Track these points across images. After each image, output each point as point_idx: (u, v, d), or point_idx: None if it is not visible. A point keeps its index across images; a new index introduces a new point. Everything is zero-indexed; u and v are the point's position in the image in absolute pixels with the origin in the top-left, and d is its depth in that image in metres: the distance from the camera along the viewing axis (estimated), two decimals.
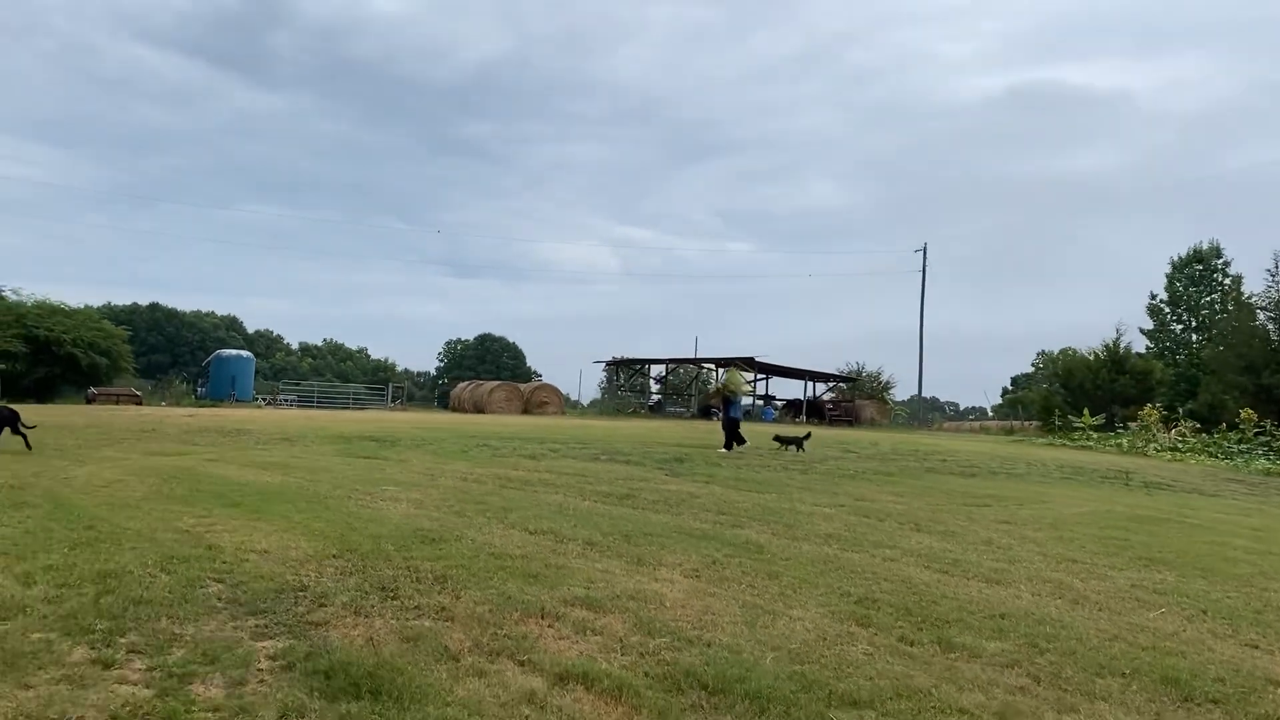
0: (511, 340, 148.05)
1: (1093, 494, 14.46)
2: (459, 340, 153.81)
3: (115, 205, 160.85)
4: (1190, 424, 36.50)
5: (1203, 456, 28.97)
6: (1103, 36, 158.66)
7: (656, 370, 56.49)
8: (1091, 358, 58.02)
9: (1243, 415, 34.23)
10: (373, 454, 13.78)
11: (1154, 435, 34.46)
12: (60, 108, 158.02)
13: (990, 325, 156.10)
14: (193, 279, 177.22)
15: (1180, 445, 32.61)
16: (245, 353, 44.82)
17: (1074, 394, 56.65)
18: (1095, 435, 36.14)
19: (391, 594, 5.40)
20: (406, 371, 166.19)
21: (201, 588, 5.38)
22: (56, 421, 18.84)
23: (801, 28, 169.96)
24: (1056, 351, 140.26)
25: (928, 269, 59.48)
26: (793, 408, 51.26)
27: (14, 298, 48.45)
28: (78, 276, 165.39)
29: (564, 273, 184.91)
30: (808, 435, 20.49)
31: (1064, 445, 32.75)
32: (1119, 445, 33.12)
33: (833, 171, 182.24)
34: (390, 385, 55.39)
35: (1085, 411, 39.16)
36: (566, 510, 8.93)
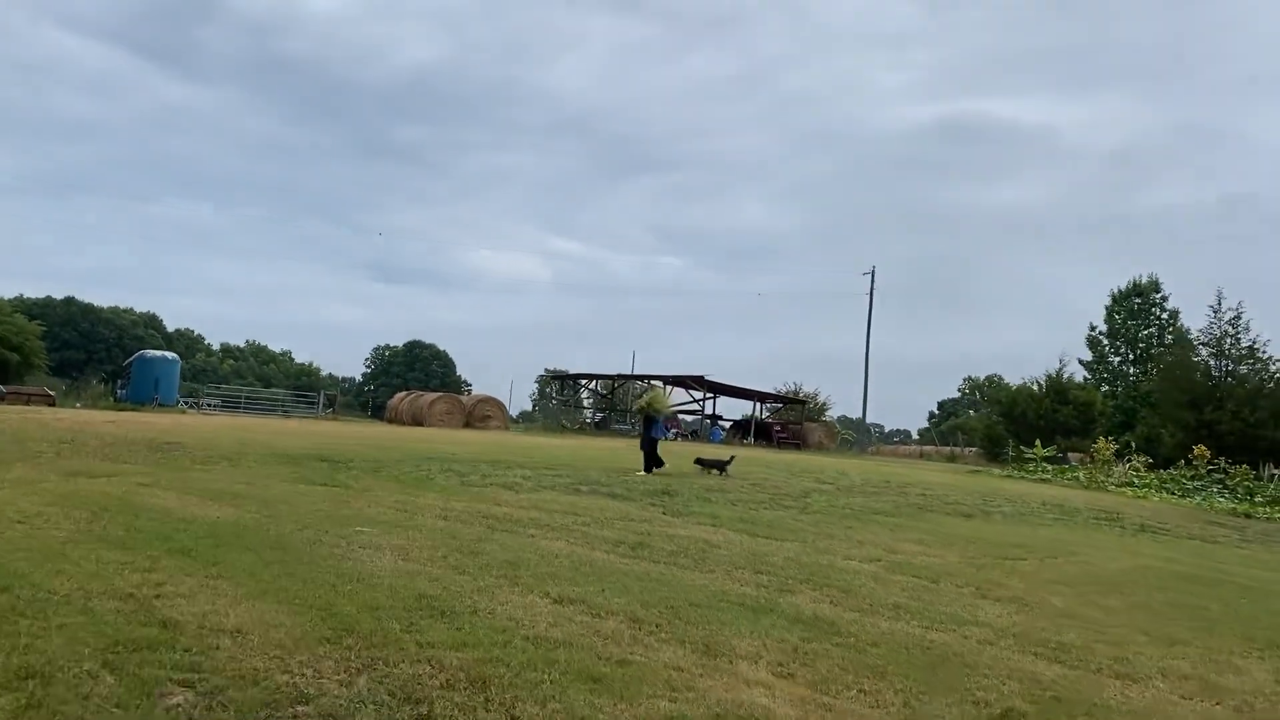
0: (442, 348, 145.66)
1: (1106, 541, 13.55)
2: (387, 346, 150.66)
3: (30, 194, 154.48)
4: (1143, 458, 36.31)
5: (1162, 494, 28.56)
6: (1029, 72, 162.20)
7: (596, 386, 55.28)
8: (1035, 387, 58.28)
9: (1196, 451, 34.12)
10: (328, 479, 12.25)
11: (1108, 470, 34.18)
12: None
13: (915, 350, 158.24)
14: (111, 274, 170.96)
15: (1135, 480, 32.31)
16: (170, 354, 42.36)
17: (1016, 424, 56.72)
18: (1050, 468, 35.74)
19: (425, 712, 4.03)
20: (331, 376, 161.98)
21: (164, 697, 3.95)
22: None
23: (739, 49, 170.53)
24: (983, 378, 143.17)
25: (873, 293, 59.15)
26: (739, 428, 50.29)
27: None
28: None
29: (495, 282, 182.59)
30: (731, 459, 19.38)
31: (1023, 478, 32.17)
32: (1077, 479, 32.68)
33: (765, 193, 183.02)
34: (322, 393, 53.21)
35: (1037, 443, 38.75)
36: (581, 566, 7.58)
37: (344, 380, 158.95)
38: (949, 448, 68.81)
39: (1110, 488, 29.99)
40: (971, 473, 34.69)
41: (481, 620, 5.58)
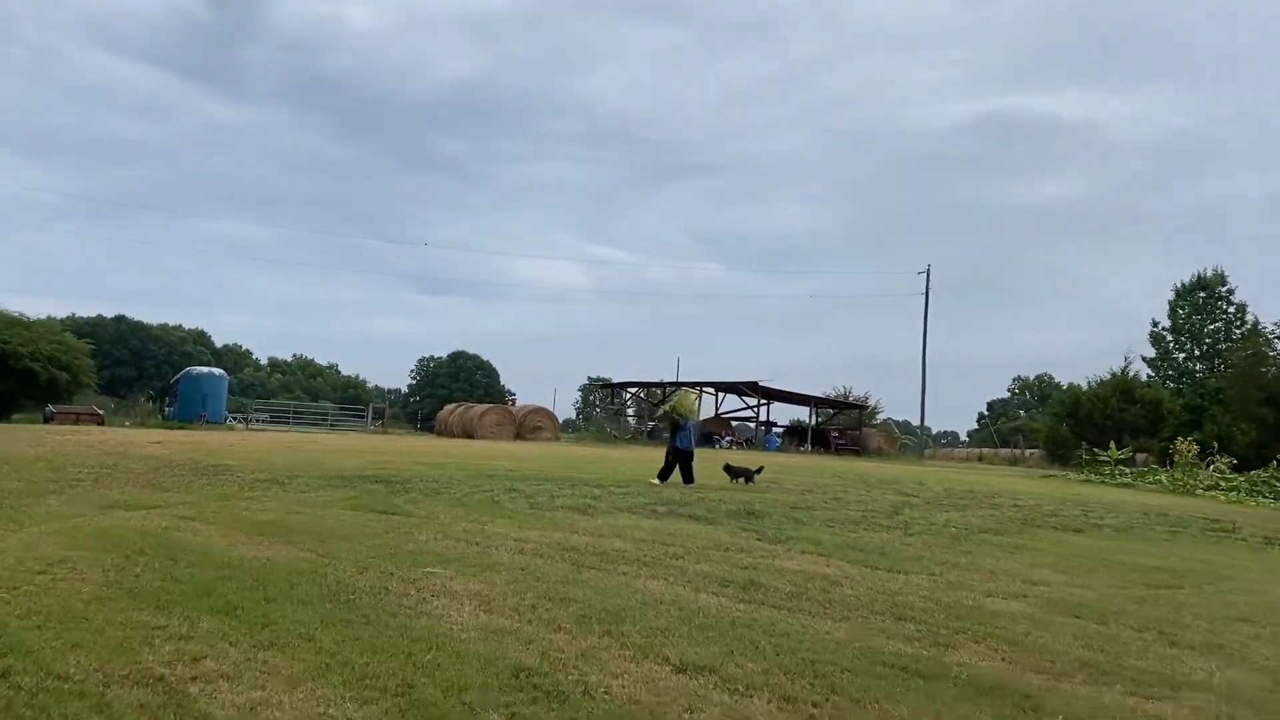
0: (485, 358, 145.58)
1: (1245, 559, 12.12)
2: (432, 358, 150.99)
3: (83, 216, 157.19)
4: (1226, 459, 34.38)
5: (1257, 499, 26.78)
6: (1068, 66, 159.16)
7: (642, 393, 53.94)
8: (1096, 386, 56.22)
9: None
10: (386, 505, 11.16)
11: (1193, 472, 32.36)
12: (28, 117, 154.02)
13: (959, 350, 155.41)
14: (160, 291, 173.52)
15: (1221, 483, 30.47)
16: (217, 370, 41.77)
17: (1080, 425, 54.78)
18: (1128, 471, 33.99)
19: None
20: (378, 389, 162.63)
21: None
22: (1, 452, 16.07)
23: (774, 52, 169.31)
24: (1033, 378, 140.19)
25: (929, 292, 57.30)
26: (795, 434, 48.84)
27: None
28: (43, 287, 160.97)
29: (536, 291, 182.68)
30: (759, 469, 18.51)
31: (1103, 482, 30.51)
32: (1160, 482, 30.99)
33: (803, 195, 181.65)
34: (370, 406, 52.52)
35: (1111, 445, 36.97)
36: (693, 616, 6.38)
37: (390, 392, 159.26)
38: (1009, 449, 66.82)
39: (1199, 492, 28.27)
40: (1045, 477, 33.09)
41: (599, 705, 4.41)
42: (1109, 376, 54.82)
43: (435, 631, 5.52)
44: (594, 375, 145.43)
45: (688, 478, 16.99)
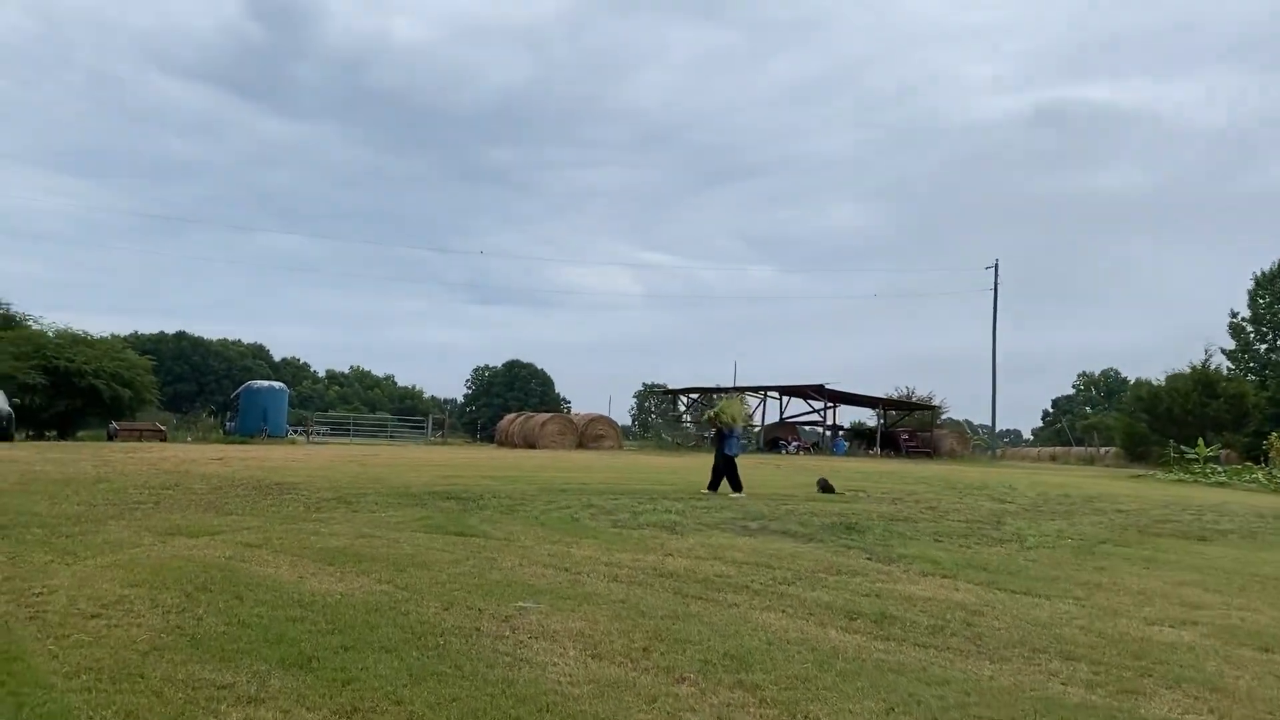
0: (540, 366, 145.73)
1: None
2: (487, 367, 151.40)
3: (142, 234, 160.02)
4: None
5: None
6: (1124, 53, 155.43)
7: (701, 399, 53.02)
8: (1174, 380, 54.16)
9: None
10: (462, 526, 10.43)
11: None
12: (87, 139, 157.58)
13: (1020, 347, 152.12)
14: (220, 307, 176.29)
15: None
16: (277, 384, 41.63)
17: (1159, 421, 52.81)
18: (1219, 469, 32.30)
19: None
20: (434, 399, 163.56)
21: None
22: (62, 472, 15.66)
23: (822, 51, 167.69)
24: (1098, 373, 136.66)
25: (998, 288, 55.62)
26: (864, 438, 47.53)
27: (36, 327, 45.85)
28: (106, 306, 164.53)
29: (588, 298, 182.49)
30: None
31: (1196, 482, 28.95)
32: (1257, 480, 29.34)
33: (855, 193, 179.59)
34: (430, 417, 52.25)
35: (1200, 441, 35.28)
36: (828, 660, 5.52)
37: (446, 401, 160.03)
38: (1081, 448, 64.80)
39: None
40: (1134, 478, 31.59)
41: None
42: (1188, 370, 52.71)
43: (541, 687, 4.72)
44: (648, 381, 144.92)
45: (736, 485, 16.10)
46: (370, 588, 6.96)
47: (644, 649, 5.53)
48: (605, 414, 43.72)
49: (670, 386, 53.59)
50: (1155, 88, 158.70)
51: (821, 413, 46.23)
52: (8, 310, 50.95)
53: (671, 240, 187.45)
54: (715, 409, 17.40)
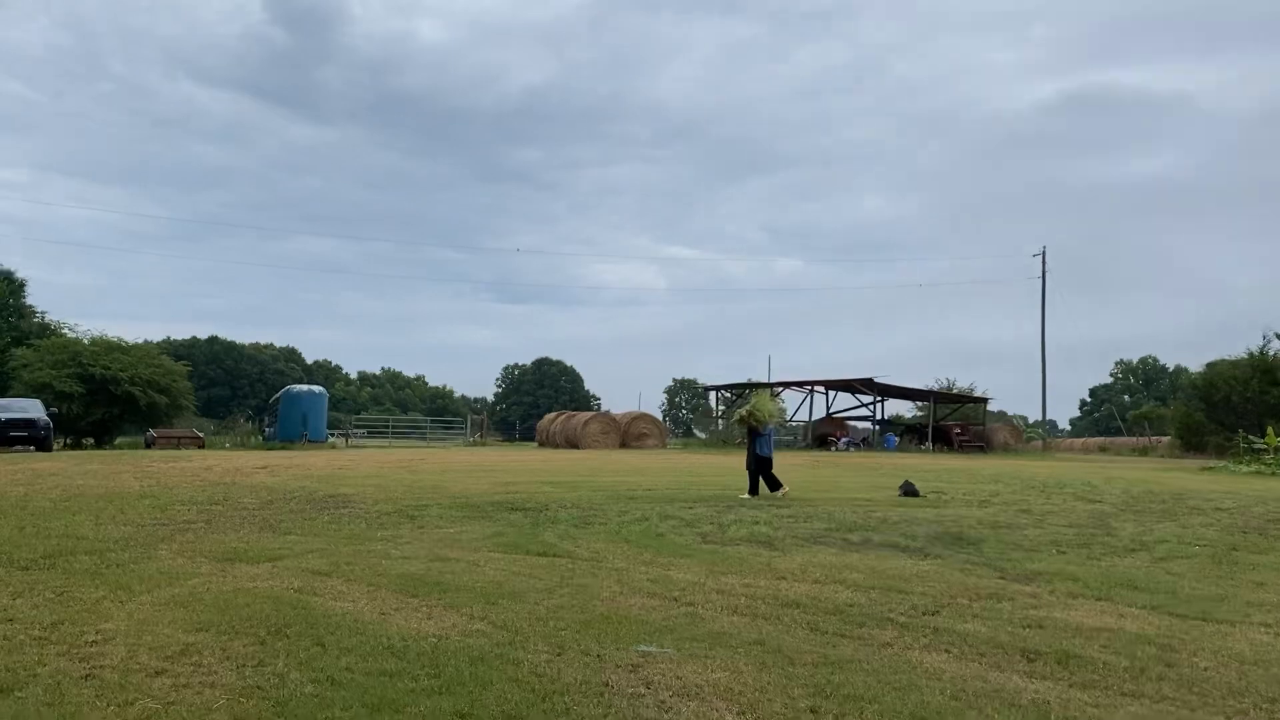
0: (569, 364, 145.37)
1: None
2: (516, 365, 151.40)
3: (173, 240, 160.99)
4: None
5: None
6: (1154, 37, 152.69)
7: (732, 396, 51.94)
8: (1232, 368, 52.49)
9: None
10: (540, 544, 9.55)
11: None
12: (118, 147, 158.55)
13: (1055, 335, 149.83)
14: (251, 311, 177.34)
15: None
16: (317, 388, 40.97)
17: (1216, 410, 51.17)
18: None
19: None
20: (464, 398, 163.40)
21: None
22: (104, 487, 14.99)
23: (846, 41, 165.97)
24: (1136, 361, 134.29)
25: (1045, 275, 54.17)
26: (915, 433, 46.27)
27: (71, 334, 45.62)
28: (138, 312, 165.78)
29: (614, 295, 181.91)
30: (911, 490, 16.02)
31: (1276, 475, 27.63)
32: None
33: (882, 184, 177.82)
34: (468, 418, 51.54)
35: (1270, 430, 33.83)
36: (1032, 716, 4.58)
37: (476, 400, 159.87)
38: (1132, 438, 63.19)
39: None
40: (1205, 470, 30.28)
41: None
42: (1245, 356, 51.00)
43: None
44: (678, 377, 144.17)
45: (773, 484, 15.19)
46: (465, 627, 6.07)
47: (811, 710, 4.61)
48: (646, 411, 42.82)
49: (703, 383, 52.59)
50: (1187, 71, 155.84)
51: (870, 407, 45.12)
52: (43, 319, 50.74)
53: (697, 235, 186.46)
54: (747, 407, 16.21)
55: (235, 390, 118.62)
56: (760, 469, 15.48)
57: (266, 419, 44.18)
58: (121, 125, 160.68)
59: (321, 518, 11.54)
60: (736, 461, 28.29)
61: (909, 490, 15.77)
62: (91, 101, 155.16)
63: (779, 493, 14.98)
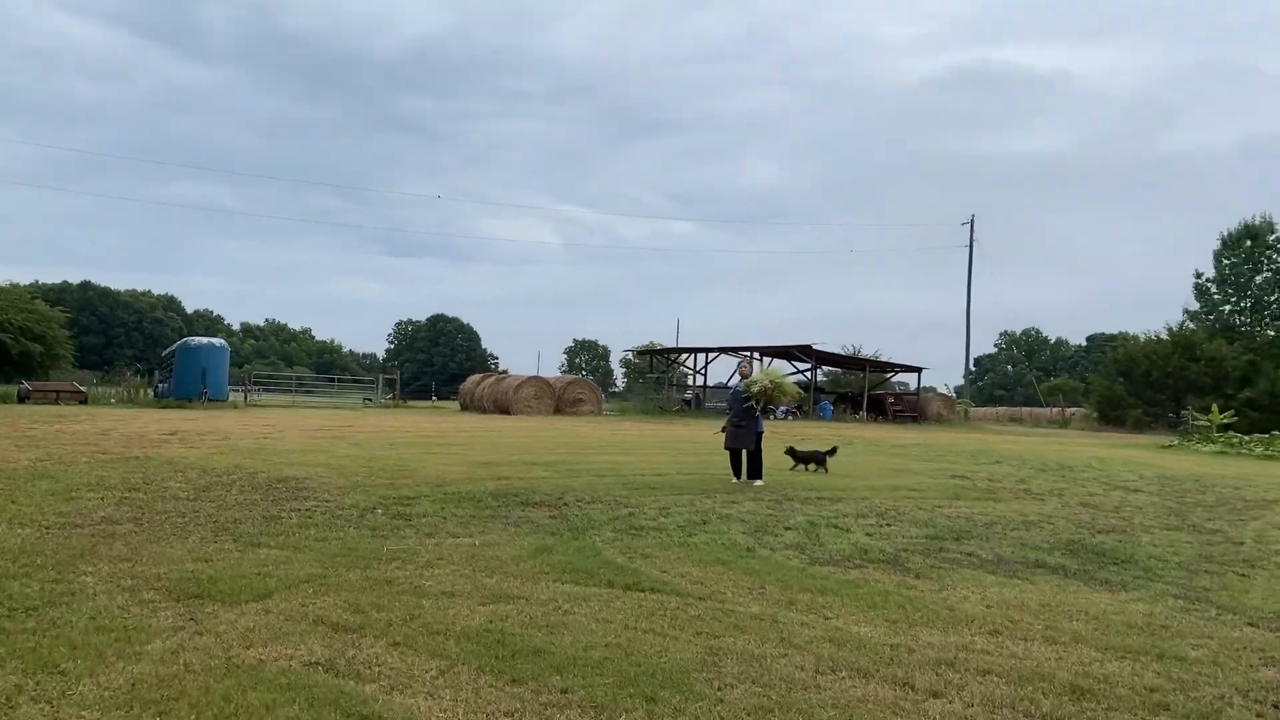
0: (465, 321, 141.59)
1: None
2: (410, 321, 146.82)
3: (41, 179, 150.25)
4: None
5: None
6: (1042, 18, 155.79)
7: (687, 360, 49.85)
8: (1153, 343, 52.89)
9: None
10: (608, 566, 7.17)
11: None
12: None
13: (939, 304, 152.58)
14: (128, 257, 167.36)
15: None
16: (218, 340, 37.08)
17: (1136, 384, 51.51)
18: (1243, 439, 30.30)
19: None
20: (353, 354, 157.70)
21: None
22: None
23: (747, 6, 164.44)
24: (1019, 333, 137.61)
25: (973, 244, 53.41)
26: (849, 403, 44.97)
27: None
28: (4, 254, 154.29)
29: (509, 252, 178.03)
30: (833, 451, 15.03)
31: (1240, 455, 26.85)
32: None
33: (777, 151, 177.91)
34: (381, 377, 48.12)
35: (1214, 408, 33.43)
36: None
37: (365, 356, 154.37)
38: (1049, 409, 63.51)
39: None
40: (1166, 448, 29.45)
41: None
42: (1166, 331, 51.39)
43: None
44: (578, 338, 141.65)
45: (757, 470, 13.12)
46: None
47: None
48: (584, 378, 40.39)
49: (603, 344, 50.28)
50: (1071, 52, 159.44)
51: (807, 374, 43.59)
52: None
53: (593, 195, 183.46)
54: (765, 380, 13.68)
55: (110, 339, 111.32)
56: (754, 451, 13.29)
57: (160, 374, 40.08)
58: None
59: (286, 516, 8.89)
60: (687, 432, 26.21)
61: (796, 456, 14.75)
62: None
63: (758, 483, 12.78)
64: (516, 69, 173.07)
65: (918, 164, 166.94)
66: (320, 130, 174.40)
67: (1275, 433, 31.63)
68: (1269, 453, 26.95)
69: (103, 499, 9.48)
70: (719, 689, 4.50)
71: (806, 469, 14.69)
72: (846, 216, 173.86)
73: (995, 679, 4.82)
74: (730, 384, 46.99)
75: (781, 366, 15.86)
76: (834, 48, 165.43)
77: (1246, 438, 30.16)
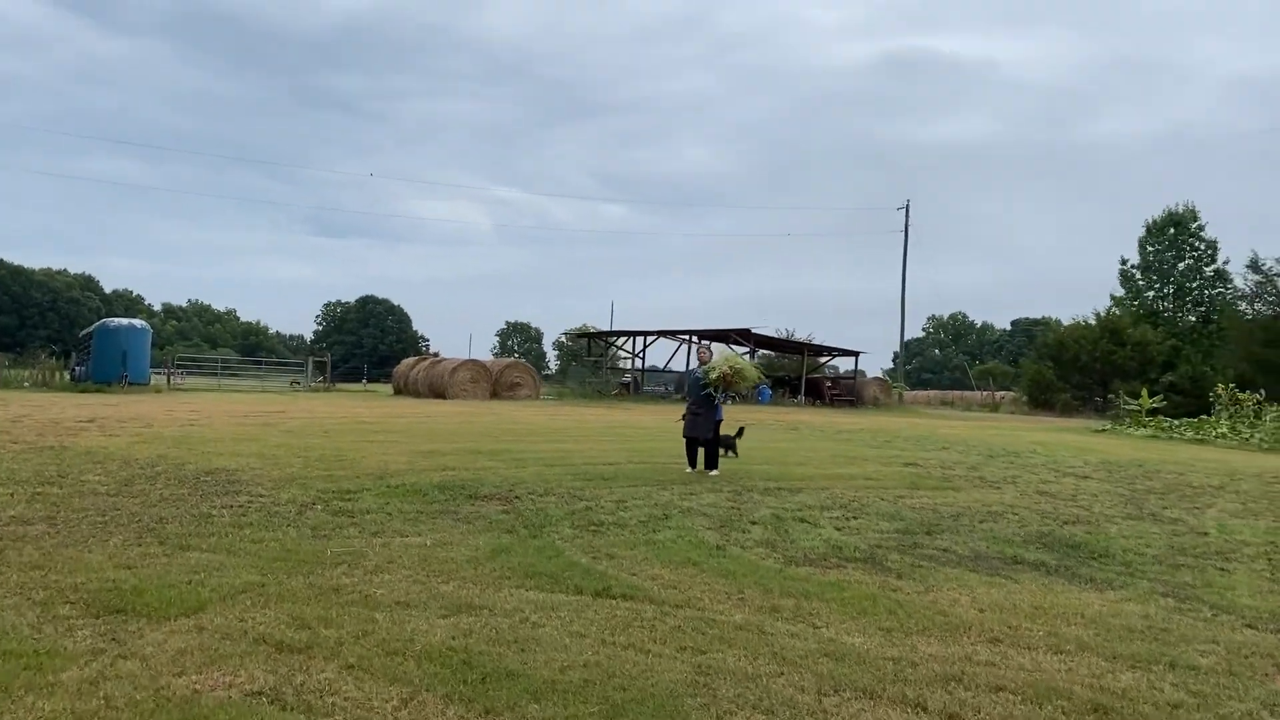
0: (396, 303, 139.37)
1: None
2: (338, 302, 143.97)
3: None
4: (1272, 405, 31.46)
5: None
6: (968, 6, 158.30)
7: (626, 344, 49.33)
8: (1080, 327, 53.84)
9: None
10: (573, 568, 6.69)
11: (1251, 421, 29.43)
12: None
13: (868, 288, 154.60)
14: (40, 235, 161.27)
15: None
16: (139, 322, 35.50)
17: (1065, 368, 52.40)
18: (1173, 422, 30.82)
19: None
20: (280, 335, 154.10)
21: None
22: None
23: None
24: (946, 317, 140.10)
25: (908, 228, 53.75)
26: (786, 386, 44.95)
27: None
28: None
29: (439, 233, 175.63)
30: (740, 433, 14.19)
31: (1173, 438, 27.28)
32: (1223, 435, 27.87)
33: (708, 135, 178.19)
34: (311, 359, 46.77)
35: (1144, 392, 34.03)
36: None
37: (293, 338, 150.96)
38: (980, 392, 64.38)
39: (1263, 446, 24.90)
40: (1100, 432, 29.82)
41: None
42: (1095, 316, 52.33)
43: None
44: (510, 320, 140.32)
45: (715, 461, 12.73)
46: None
47: None
48: (523, 361, 39.68)
49: (536, 326, 49.68)
50: (996, 40, 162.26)
51: (746, 358, 43.33)
52: None
53: (525, 176, 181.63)
54: (727, 366, 13.16)
55: (24, 319, 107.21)
56: (712, 439, 12.85)
57: (77, 357, 38.37)
58: None
59: (217, 513, 8.23)
60: (630, 417, 25.79)
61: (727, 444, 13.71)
62: None
63: (713, 473, 12.36)
64: (449, 48, 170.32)
65: (849, 149, 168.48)
66: (247, 107, 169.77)
67: (1204, 417, 32.30)
68: (1199, 436, 27.41)
69: (12, 495, 8.72)
70: (717, 716, 4.06)
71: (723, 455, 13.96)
72: (780, 200, 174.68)
73: (1010, 696, 4.45)
74: (668, 367, 46.78)
75: (726, 351, 15.44)
76: (764, 31, 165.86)
77: (1177, 422, 30.68)
